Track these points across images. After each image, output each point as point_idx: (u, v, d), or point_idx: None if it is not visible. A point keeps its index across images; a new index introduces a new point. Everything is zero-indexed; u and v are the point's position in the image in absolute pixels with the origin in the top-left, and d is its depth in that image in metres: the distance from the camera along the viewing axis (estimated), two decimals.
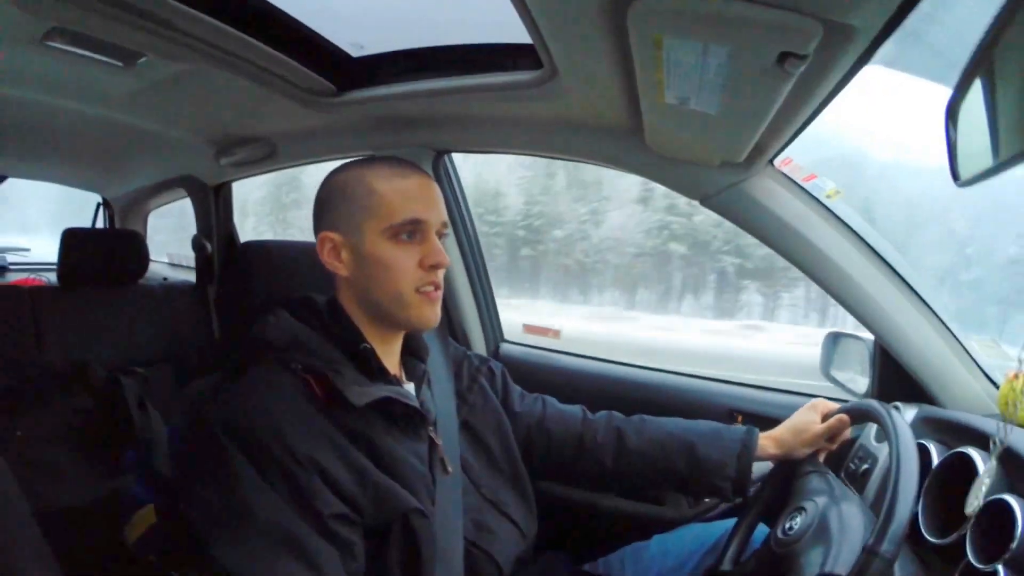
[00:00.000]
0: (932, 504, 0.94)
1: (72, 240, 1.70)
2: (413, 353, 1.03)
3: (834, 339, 1.47)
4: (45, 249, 2.88)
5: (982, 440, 0.94)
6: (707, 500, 1.42)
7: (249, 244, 1.18)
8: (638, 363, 1.67)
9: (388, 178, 0.92)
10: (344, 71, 1.30)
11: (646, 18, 0.72)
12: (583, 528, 1.50)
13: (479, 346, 1.77)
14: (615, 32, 0.81)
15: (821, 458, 1.12)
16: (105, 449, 1.27)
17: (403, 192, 0.91)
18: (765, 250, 1.23)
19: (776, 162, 1.19)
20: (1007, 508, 0.80)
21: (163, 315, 1.78)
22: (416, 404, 0.93)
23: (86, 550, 1.09)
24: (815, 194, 1.23)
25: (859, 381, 1.40)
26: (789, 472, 1.09)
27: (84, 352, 1.46)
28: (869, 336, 1.31)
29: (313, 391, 0.85)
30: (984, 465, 0.89)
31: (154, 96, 1.43)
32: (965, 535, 0.83)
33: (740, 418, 1.44)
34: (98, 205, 2.55)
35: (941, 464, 0.96)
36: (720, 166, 1.16)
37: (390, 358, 0.98)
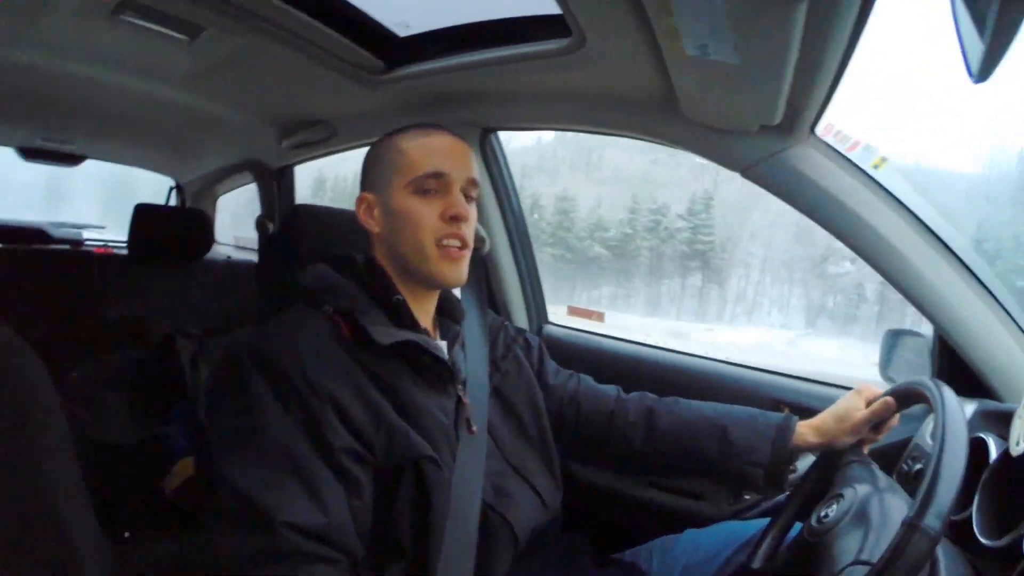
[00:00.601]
0: (989, 504, 0.87)
1: (142, 215, 1.87)
2: (448, 315, 1.07)
3: (893, 337, 1.40)
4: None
5: None
6: (747, 497, 1.37)
7: (299, 207, 1.26)
8: (682, 349, 1.66)
9: (414, 137, 0.99)
10: (392, 49, 1.38)
11: None
12: (617, 518, 1.50)
13: (523, 326, 1.78)
14: None
15: (866, 450, 1.05)
16: (155, 399, 1.38)
17: (426, 147, 0.97)
18: None
19: (819, 130, 1.17)
20: None
21: (224, 289, 1.91)
22: (444, 356, 0.96)
23: (123, 489, 1.20)
24: (861, 165, 1.19)
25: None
26: (831, 464, 1.03)
27: (146, 314, 1.59)
28: (929, 332, 1.26)
29: (341, 331, 0.90)
30: None
31: (218, 74, 1.54)
32: (1022, 536, 0.76)
33: (786, 409, 1.35)
34: (170, 189, 2.75)
35: (1000, 458, 0.89)
36: (759, 133, 1.14)
37: (423, 315, 1.01)
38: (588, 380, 1.22)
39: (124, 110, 1.90)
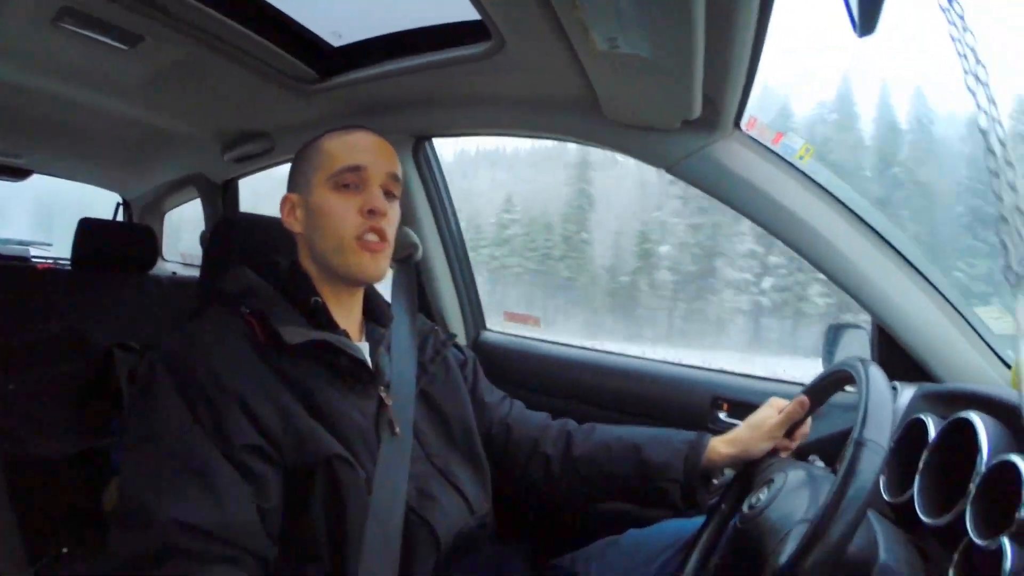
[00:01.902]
0: (930, 484, 0.91)
1: (87, 229, 1.90)
2: (375, 318, 1.11)
3: (834, 331, 1.45)
4: None
5: (986, 406, 0.91)
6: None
7: (230, 216, 1.29)
8: (619, 352, 1.70)
9: (336, 136, 1.03)
10: (325, 59, 1.43)
11: None
12: (557, 524, 1.52)
13: (459, 333, 1.82)
14: None
15: (784, 456, 1.08)
16: (92, 413, 1.40)
17: (345, 143, 1.02)
18: None
19: (742, 125, 1.22)
20: (1013, 473, 0.75)
21: (167, 304, 1.93)
22: (361, 356, 0.98)
23: (60, 504, 1.23)
24: (786, 156, 1.24)
25: None
26: (752, 472, 1.06)
27: (86, 328, 1.62)
28: (868, 323, 1.30)
29: (255, 333, 0.92)
30: (984, 426, 0.85)
31: (159, 86, 1.58)
32: (964, 511, 0.79)
33: (727, 406, 1.43)
34: (117, 205, 2.77)
35: (940, 436, 0.93)
36: (682, 129, 1.19)
37: (348, 318, 1.05)
38: (520, 406, 1.25)
39: (71, 123, 1.94)
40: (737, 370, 1.55)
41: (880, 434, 0.75)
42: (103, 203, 2.79)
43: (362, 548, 0.89)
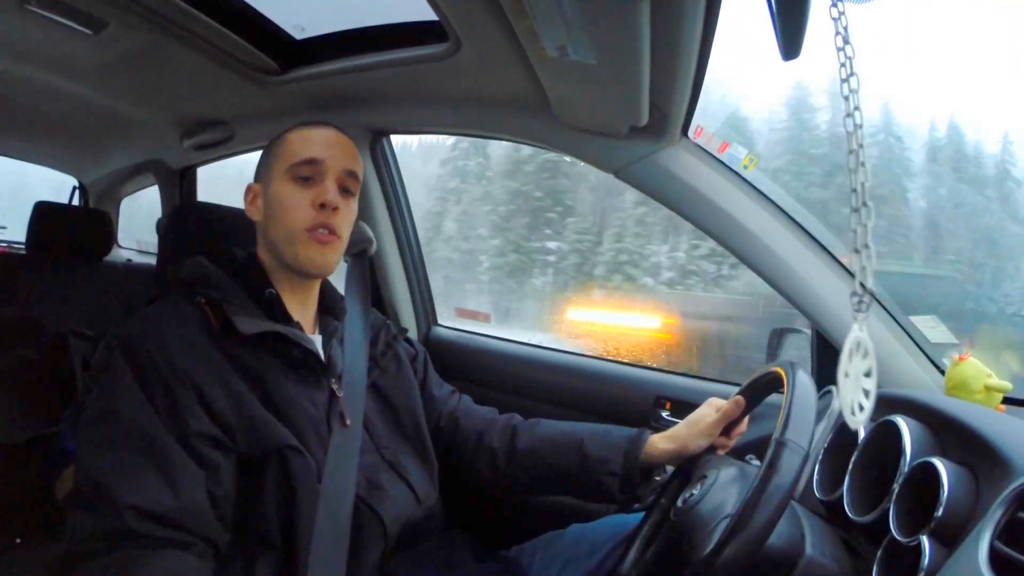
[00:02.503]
0: (859, 483, 0.95)
1: (42, 213, 1.90)
2: (329, 311, 1.14)
3: (778, 336, 1.48)
4: None
5: (913, 410, 0.96)
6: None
7: (187, 204, 1.32)
8: (567, 349, 1.75)
9: (299, 130, 1.08)
10: (287, 51, 1.46)
11: None
12: (504, 516, 1.56)
13: (411, 328, 1.85)
14: None
15: (721, 454, 1.12)
16: (45, 399, 1.42)
17: (306, 137, 1.07)
18: None
19: (690, 133, 1.27)
20: (934, 475, 0.79)
21: (122, 292, 1.94)
22: (313, 348, 1.02)
23: (13, 492, 1.25)
24: (732, 166, 1.29)
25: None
26: (690, 468, 1.09)
27: (40, 314, 1.63)
28: (809, 328, 1.35)
29: (210, 321, 0.95)
30: (909, 429, 0.90)
31: (122, 71, 1.59)
32: (888, 510, 0.83)
33: (669, 404, 1.48)
34: (74, 188, 2.76)
35: (868, 438, 0.97)
36: (631, 136, 1.24)
37: (302, 310, 1.08)
38: (468, 400, 1.30)
39: (31, 104, 1.93)
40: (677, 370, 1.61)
41: (801, 435, 0.79)
42: (53, 186, 2.78)
43: (312, 536, 0.92)
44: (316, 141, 1.06)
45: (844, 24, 0.62)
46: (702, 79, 1.11)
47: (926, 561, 0.73)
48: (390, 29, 1.32)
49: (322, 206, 1.02)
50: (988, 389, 1.18)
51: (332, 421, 1.01)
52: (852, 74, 0.63)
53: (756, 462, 1.08)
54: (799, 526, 0.88)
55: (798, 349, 1.43)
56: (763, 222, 1.29)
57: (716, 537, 0.79)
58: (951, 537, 0.74)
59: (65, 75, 1.67)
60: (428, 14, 1.11)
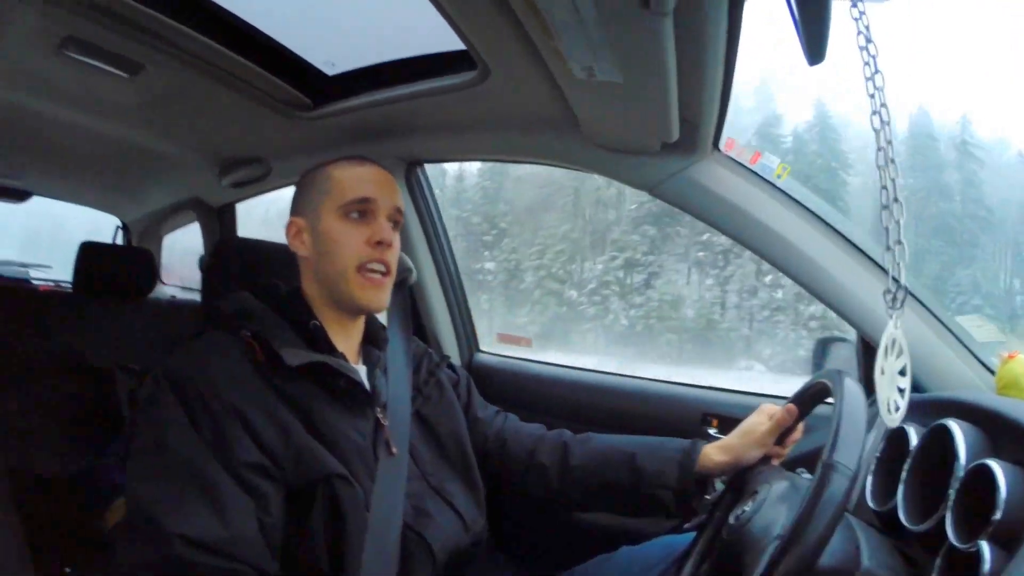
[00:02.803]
0: (913, 491, 0.93)
1: (88, 252, 1.98)
2: (371, 342, 1.16)
3: (822, 345, 1.48)
4: None
5: (965, 413, 0.94)
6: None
7: (230, 240, 1.36)
8: (610, 371, 1.75)
9: (345, 166, 1.10)
10: (319, 87, 1.51)
11: None
12: (551, 541, 1.55)
13: (453, 356, 1.86)
14: (505, 12, 0.93)
15: (775, 463, 1.11)
16: (92, 432, 1.46)
17: (356, 175, 1.08)
18: None
19: (721, 146, 1.28)
20: (990, 478, 0.78)
21: (167, 327, 2.00)
22: (358, 378, 1.03)
23: (60, 523, 1.28)
24: (764, 176, 1.29)
25: None
26: (743, 478, 1.07)
27: (86, 349, 1.68)
28: (854, 336, 1.34)
29: (256, 354, 0.97)
30: (962, 432, 0.88)
31: (159, 112, 1.66)
32: (944, 517, 0.82)
33: (716, 422, 1.47)
34: (117, 228, 2.86)
35: (920, 444, 0.96)
36: (663, 152, 1.25)
37: (347, 342, 1.10)
38: (514, 419, 1.30)
39: (71, 146, 2.01)
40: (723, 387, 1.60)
41: (849, 456, 0.77)
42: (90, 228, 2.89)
43: (361, 564, 0.92)
44: (366, 179, 1.08)
45: (865, 24, 0.62)
46: (729, 91, 1.12)
47: (987, 567, 0.71)
48: (419, 61, 1.36)
49: (378, 244, 1.04)
50: None
51: (378, 450, 1.02)
52: (877, 72, 0.64)
53: (808, 476, 1.05)
54: (854, 540, 0.86)
55: (843, 358, 1.41)
56: (800, 231, 1.28)
57: (766, 559, 0.77)
58: (1011, 540, 0.72)
59: (103, 117, 1.74)
60: (456, 44, 1.14)
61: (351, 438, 1.00)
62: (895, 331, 0.73)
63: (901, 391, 0.72)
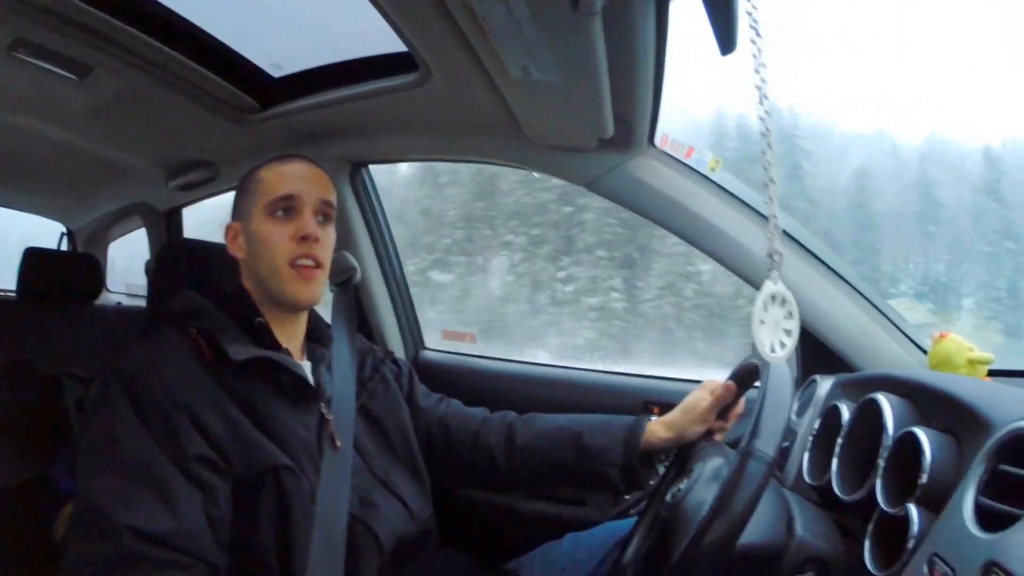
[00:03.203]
0: (848, 465, 0.98)
1: (32, 259, 1.96)
2: (316, 339, 1.19)
3: None
4: None
5: (894, 387, 0.99)
6: (627, 497, 1.41)
7: (175, 242, 1.36)
8: (554, 363, 1.81)
9: (271, 166, 1.12)
10: (265, 89, 1.53)
11: None
12: (501, 530, 1.60)
13: (399, 353, 1.89)
14: (443, 15, 0.96)
15: (719, 437, 1.16)
16: (39, 441, 1.46)
17: (278, 173, 1.11)
18: None
19: (656, 142, 1.33)
20: (917, 445, 0.82)
21: (114, 334, 1.99)
22: (302, 373, 1.06)
23: (10, 533, 1.28)
24: (699, 169, 1.35)
25: (792, 367, 1.42)
26: (686, 456, 1.11)
27: (33, 357, 1.67)
28: None
29: (203, 351, 1.00)
30: (890, 404, 0.94)
31: (106, 115, 1.65)
32: (875, 485, 0.87)
33: (657, 409, 1.50)
34: (62, 235, 2.80)
35: (852, 418, 1.01)
36: (599, 148, 1.30)
37: (291, 339, 1.12)
38: (456, 403, 1.33)
39: (16, 151, 1.99)
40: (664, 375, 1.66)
41: (767, 444, 0.80)
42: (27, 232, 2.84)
43: (308, 556, 0.95)
44: (290, 176, 1.10)
45: (755, 18, 0.69)
46: (661, 89, 1.17)
47: (915, 528, 0.76)
48: (363, 62, 1.39)
49: (303, 239, 1.06)
50: (971, 363, 1.23)
51: (323, 444, 1.05)
52: (763, 65, 0.71)
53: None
54: (788, 514, 0.91)
55: None
56: (735, 222, 1.35)
57: (687, 541, 0.81)
58: (938, 501, 0.77)
59: (51, 121, 1.73)
60: (399, 46, 1.17)
61: (296, 432, 1.03)
62: (776, 287, 0.81)
63: (787, 331, 0.79)
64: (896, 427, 0.90)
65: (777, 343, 0.80)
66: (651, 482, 1.18)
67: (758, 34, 0.71)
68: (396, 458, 1.18)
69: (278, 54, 1.48)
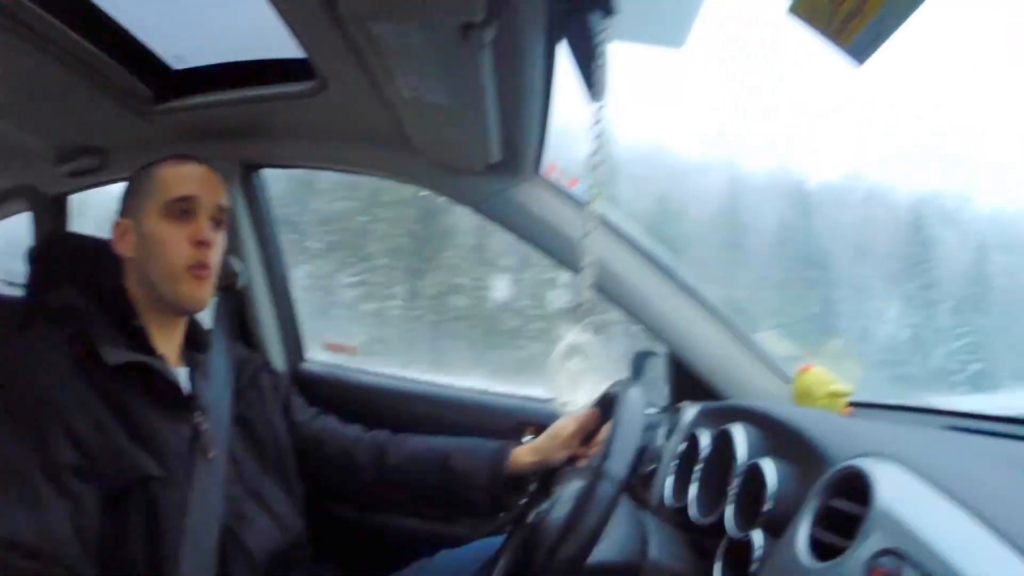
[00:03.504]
0: (706, 490, 1.03)
1: None
2: (195, 345, 1.18)
3: (639, 357, 1.57)
4: None
5: (750, 418, 1.04)
6: (503, 515, 1.38)
7: (56, 234, 1.33)
8: (436, 382, 1.83)
9: (167, 166, 1.13)
10: (164, 81, 1.51)
11: (351, 10, 0.88)
12: (375, 547, 1.60)
13: (279, 362, 1.85)
14: (340, 28, 0.98)
15: (582, 464, 1.18)
16: None
17: (177, 173, 1.11)
18: None
19: (542, 170, 1.40)
20: (763, 474, 0.87)
21: None
22: (175, 380, 1.06)
23: None
24: (582, 199, 1.38)
25: (663, 394, 1.53)
26: (552, 481, 1.14)
27: None
28: (664, 348, 1.46)
29: (78, 352, 0.98)
30: (744, 434, 0.99)
31: None
32: (726, 510, 0.91)
33: (532, 430, 1.48)
34: None
35: (711, 446, 1.06)
36: (487, 172, 1.36)
37: (169, 344, 1.12)
38: (332, 419, 1.34)
39: None
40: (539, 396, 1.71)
41: (619, 465, 0.85)
42: None
43: (178, 567, 0.95)
44: (189, 178, 1.10)
45: (605, 60, 0.77)
46: (548, 120, 1.23)
47: (757, 552, 0.81)
48: (264, 65, 1.40)
49: (199, 243, 1.07)
50: (831, 395, 1.32)
51: (196, 453, 1.05)
52: (604, 105, 0.78)
53: None
54: (643, 535, 0.96)
55: (657, 369, 1.54)
56: (613, 252, 1.41)
57: (539, 559, 0.85)
58: (781, 529, 0.80)
59: None
60: (297, 52, 1.19)
61: (169, 441, 1.02)
62: (579, 337, 0.86)
63: (588, 381, 0.85)
64: (750, 456, 0.95)
65: (574, 392, 0.86)
66: (518, 506, 1.20)
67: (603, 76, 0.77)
68: (269, 469, 1.19)
69: (181, 46, 1.46)
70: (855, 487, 0.72)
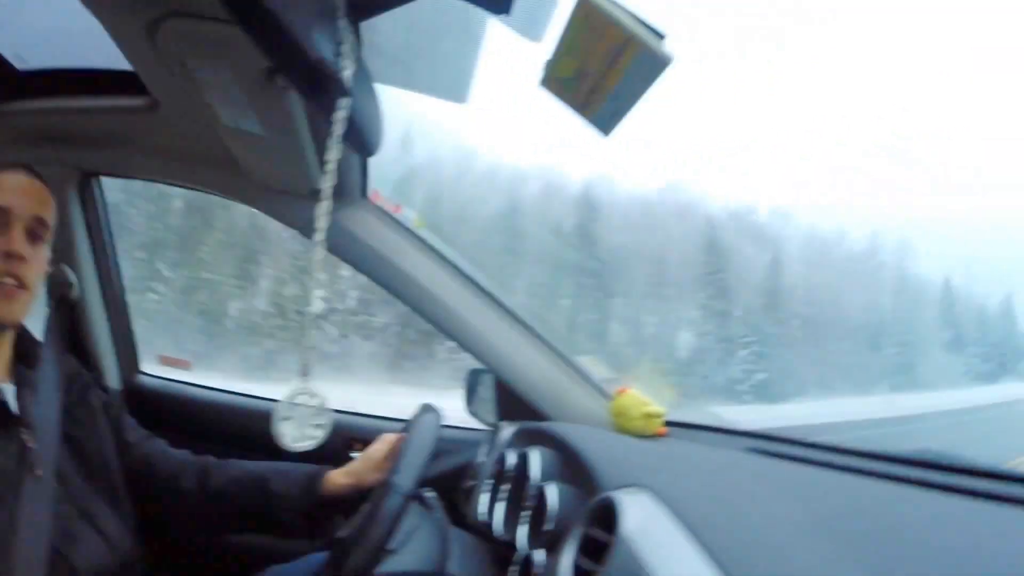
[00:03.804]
0: (511, 508, 1.09)
1: None
2: (23, 360, 1.16)
3: (473, 376, 1.69)
4: None
5: (552, 441, 1.11)
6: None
7: None
8: (267, 396, 1.88)
9: None
10: (4, 81, 1.49)
11: (168, 43, 0.93)
12: (210, 563, 1.62)
13: (112, 374, 1.87)
14: (173, 56, 0.99)
15: None
16: None
17: None
18: None
19: (368, 196, 1.47)
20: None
21: None
22: (2, 397, 1.05)
23: None
24: (407, 224, 1.50)
25: (492, 413, 1.64)
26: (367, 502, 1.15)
27: None
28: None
29: None
30: (540, 458, 1.05)
31: None
32: (524, 529, 0.96)
33: (360, 446, 1.57)
34: None
35: (515, 467, 1.12)
36: (312, 197, 1.34)
37: None
38: (161, 443, 1.33)
39: None
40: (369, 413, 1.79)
41: (406, 479, 0.93)
42: None
43: None
44: (5, 188, 1.07)
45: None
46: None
47: (537, 569, 0.87)
48: (106, 74, 1.42)
49: (7, 256, 1.04)
50: (646, 416, 1.41)
51: (23, 472, 1.03)
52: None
53: (431, 494, 1.24)
54: (445, 549, 1.06)
55: (487, 389, 1.65)
56: (436, 277, 1.50)
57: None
58: (556, 545, 0.86)
59: None
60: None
61: None
62: (305, 385, 0.98)
63: (316, 426, 0.98)
64: (543, 478, 1.01)
65: (302, 437, 0.98)
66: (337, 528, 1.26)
67: None
68: (98, 488, 1.17)
69: (25, 44, 1.44)
70: (610, 516, 0.77)
